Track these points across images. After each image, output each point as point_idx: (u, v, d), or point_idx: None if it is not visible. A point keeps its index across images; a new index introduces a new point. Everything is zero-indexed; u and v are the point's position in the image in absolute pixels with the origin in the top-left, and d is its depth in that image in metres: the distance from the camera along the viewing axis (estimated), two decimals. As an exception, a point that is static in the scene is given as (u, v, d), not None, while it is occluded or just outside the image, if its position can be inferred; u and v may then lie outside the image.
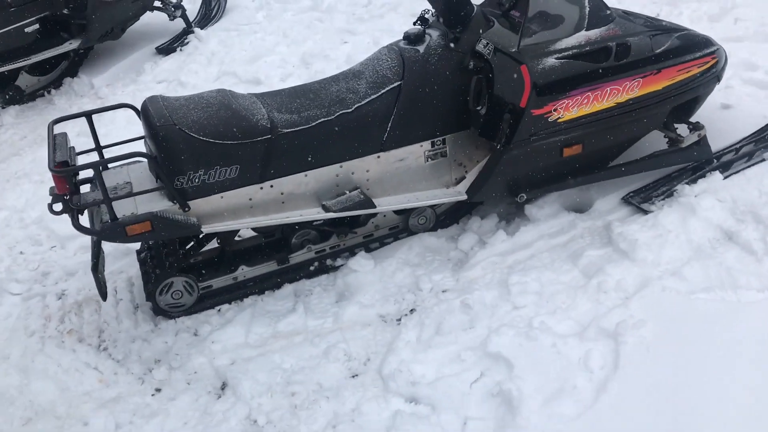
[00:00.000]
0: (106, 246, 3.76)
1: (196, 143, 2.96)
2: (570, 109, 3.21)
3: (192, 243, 3.38)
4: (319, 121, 3.15)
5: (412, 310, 3.22)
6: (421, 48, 3.32)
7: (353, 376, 2.95)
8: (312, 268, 3.51)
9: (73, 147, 3.17)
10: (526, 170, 3.34)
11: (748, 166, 3.58)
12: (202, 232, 3.08)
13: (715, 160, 3.64)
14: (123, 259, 3.71)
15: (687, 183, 3.53)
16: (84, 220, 3.05)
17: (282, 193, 3.22)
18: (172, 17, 6.56)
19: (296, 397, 2.87)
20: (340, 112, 3.18)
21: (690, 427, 2.44)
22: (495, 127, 3.23)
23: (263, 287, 3.44)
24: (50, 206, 3.11)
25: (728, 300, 2.93)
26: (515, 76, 3.13)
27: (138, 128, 4.28)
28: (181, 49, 6.33)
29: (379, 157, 3.33)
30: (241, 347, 3.14)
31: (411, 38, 3.37)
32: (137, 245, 3.60)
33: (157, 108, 3.04)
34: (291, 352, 3.08)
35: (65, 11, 5.75)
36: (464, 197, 3.39)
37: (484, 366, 2.85)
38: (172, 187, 2.97)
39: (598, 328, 2.88)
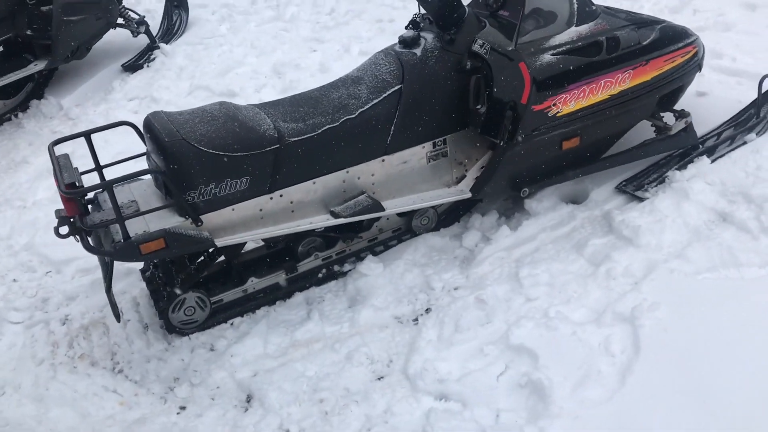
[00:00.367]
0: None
1: (206, 157, 2.95)
2: (568, 103, 3.30)
3: (202, 258, 3.34)
4: (325, 128, 3.17)
5: (427, 310, 3.26)
6: (418, 51, 3.37)
7: (379, 379, 2.97)
8: (320, 275, 3.52)
9: (77, 168, 3.11)
10: (528, 165, 3.41)
11: (732, 150, 3.73)
12: (216, 246, 3.07)
13: (700, 146, 3.78)
14: (124, 280, 3.65)
15: (677, 169, 3.66)
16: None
17: (291, 202, 3.23)
18: (135, 34, 6.46)
19: (325, 403, 2.88)
20: (345, 118, 3.20)
21: (717, 400, 2.54)
22: (496, 124, 3.30)
23: (274, 297, 3.44)
24: (56, 230, 3.05)
25: (732, 278, 3.06)
26: (514, 73, 3.20)
27: (131, 146, 4.27)
28: (148, 65, 6.24)
29: (383, 160, 3.36)
30: (262, 358, 3.13)
31: (407, 42, 3.41)
32: (140, 264, 3.55)
33: (162, 123, 3.01)
34: (313, 360, 3.09)
35: (28, 32, 5.61)
36: (468, 195, 3.45)
37: (508, 358, 2.91)
38: (184, 202, 2.95)
39: (613, 314, 2.97)
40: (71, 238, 3.09)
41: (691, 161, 3.68)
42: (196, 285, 3.28)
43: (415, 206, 3.41)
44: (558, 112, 3.30)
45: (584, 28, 3.38)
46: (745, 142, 3.76)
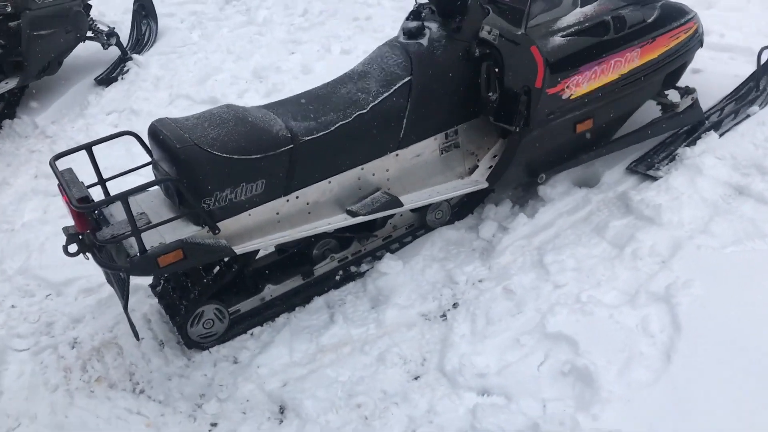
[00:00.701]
0: (108, 285, 3.56)
1: (221, 161, 2.83)
2: (581, 85, 3.25)
3: (218, 267, 3.21)
4: (338, 124, 3.07)
5: (455, 305, 3.18)
6: (424, 41, 3.30)
7: (415, 378, 2.88)
8: (338, 277, 3.42)
9: (83, 182, 2.96)
10: (544, 150, 3.36)
11: (737, 123, 3.73)
12: (235, 254, 2.94)
13: (706, 121, 3.77)
14: (132, 296, 3.46)
15: (686, 146, 3.64)
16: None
17: (307, 203, 3.12)
18: (106, 46, 6.27)
19: (363, 408, 2.78)
20: (357, 113, 3.11)
21: (765, 370, 2.51)
22: (510, 111, 3.24)
23: (293, 303, 3.33)
24: (65, 248, 2.91)
25: (759, 249, 3.04)
26: (526, 57, 3.14)
27: (119, 159, 4.12)
28: (122, 78, 6.06)
29: (397, 155, 3.28)
30: (290, 367, 3.02)
31: (412, 32, 3.33)
32: (148, 279, 3.41)
33: (171, 130, 2.88)
34: (343, 364, 2.98)
35: (-3, 50, 5.41)
36: (485, 185, 3.38)
37: (546, 347, 2.85)
38: (201, 210, 2.82)
39: (647, 294, 2.93)
40: (70, 257, 2.95)
41: (698, 137, 3.67)
42: (214, 296, 3.14)
43: (432, 200, 3.33)
44: (571, 95, 3.25)
45: (589, 9, 3.34)
46: (748, 116, 3.77)
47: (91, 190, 3.07)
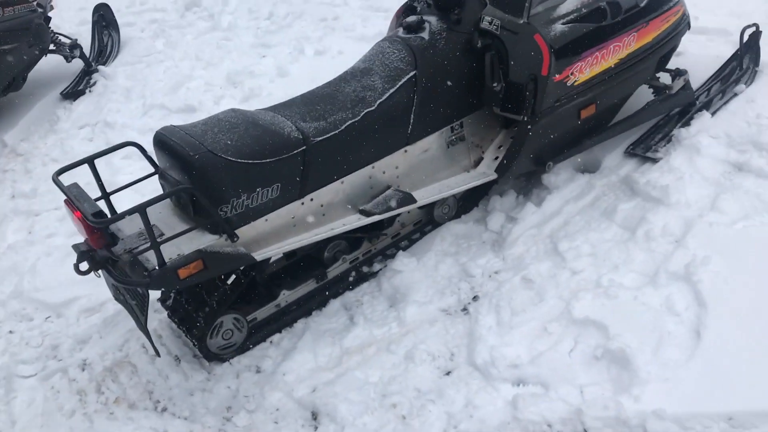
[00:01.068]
0: (115, 301, 3.45)
1: (236, 167, 2.76)
2: (584, 71, 3.27)
3: (233, 276, 3.13)
4: (347, 123, 3.02)
5: (475, 297, 3.16)
6: (425, 35, 3.27)
7: (447, 374, 2.86)
8: (351, 278, 3.37)
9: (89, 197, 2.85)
10: (551, 138, 3.37)
11: (726, 102, 3.81)
12: (256, 261, 2.87)
13: (697, 102, 3.84)
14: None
15: (681, 127, 3.70)
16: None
17: (322, 205, 3.07)
18: (69, 58, 6.09)
19: (399, 407, 2.74)
20: (365, 111, 3.07)
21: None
22: (517, 100, 3.24)
23: (309, 308, 3.27)
24: (77, 266, 2.80)
25: (765, 224, 3.10)
26: (531, 46, 3.14)
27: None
28: (90, 90, 5.87)
29: (406, 151, 3.25)
30: (316, 372, 2.96)
31: (412, 27, 3.30)
32: (156, 294, 3.30)
33: (181, 138, 2.79)
34: (371, 365, 2.94)
35: (-41, 68, 5.19)
36: (494, 176, 3.38)
37: (575, 333, 2.86)
38: (219, 217, 2.75)
39: (667, 274, 2.96)
40: (81, 275, 2.84)
41: (692, 118, 3.73)
42: (232, 306, 3.06)
43: (445, 194, 3.31)
44: (575, 81, 3.27)
45: (584, -4, 3.36)
46: (735, 94, 3.85)
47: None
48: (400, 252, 3.42)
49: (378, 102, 3.10)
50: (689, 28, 3.79)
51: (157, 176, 3.15)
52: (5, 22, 5.26)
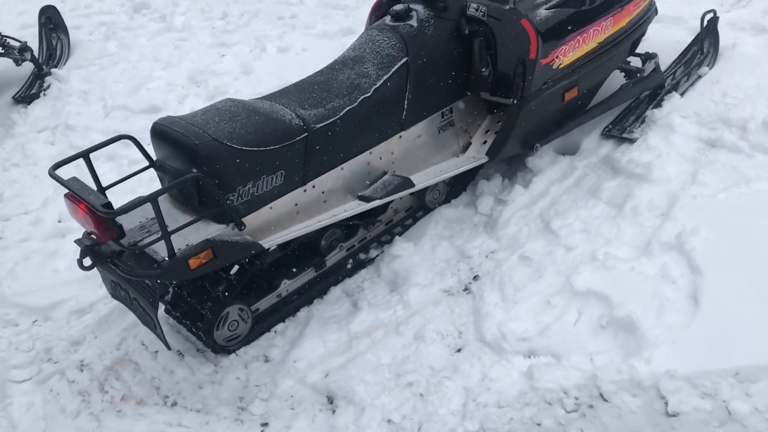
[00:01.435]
0: (107, 300, 3.38)
1: (242, 155, 2.75)
2: (567, 54, 3.39)
3: (236, 266, 3.10)
4: (346, 110, 3.05)
5: (475, 277, 3.23)
6: (413, 22, 3.33)
7: (458, 351, 2.91)
8: (349, 266, 3.39)
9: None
10: (539, 120, 3.47)
11: (692, 84, 4.00)
12: (263, 249, 2.86)
13: (666, 84, 4.01)
14: (128, 313, 3.30)
15: (653, 108, 3.86)
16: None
17: (323, 192, 3.08)
18: (19, 62, 5.88)
19: (416, 386, 2.78)
20: (361, 97, 3.10)
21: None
22: (506, 84, 3.32)
23: (310, 296, 3.27)
24: (80, 262, 2.73)
25: (747, 192, 3.27)
26: (518, 31, 3.23)
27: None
28: (44, 94, 5.70)
29: (400, 136, 3.29)
30: (327, 357, 2.97)
31: (400, 15, 3.35)
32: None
33: (183, 127, 2.76)
34: (381, 348, 2.97)
35: None
36: (485, 159, 3.45)
37: (578, 305, 2.95)
38: (229, 206, 2.73)
39: (660, 244, 3.09)
40: (85, 271, 2.79)
41: (662, 99, 3.90)
42: (237, 297, 3.04)
43: (442, 177, 3.37)
44: (560, 64, 3.38)
45: (563, -18, 3.48)
46: (700, 76, 4.04)
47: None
48: (397, 237, 3.46)
49: (373, 88, 3.14)
50: (656, 14, 3.96)
51: (149, 170, 3.11)
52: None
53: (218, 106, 2.96)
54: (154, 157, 3.01)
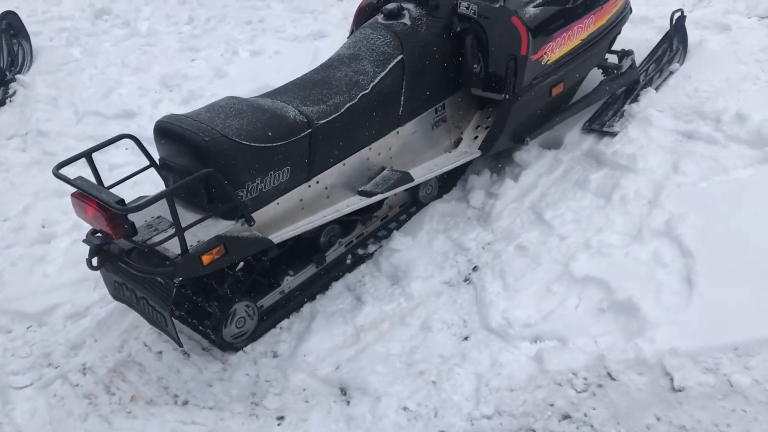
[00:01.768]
0: (103, 303, 3.35)
1: (251, 151, 2.77)
2: (554, 50, 3.50)
3: (241, 263, 3.10)
4: (347, 106, 3.10)
5: (475, 268, 3.31)
6: (406, 20, 3.40)
7: (465, 339, 2.98)
8: (348, 261, 3.43)
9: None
10: (528, 114, 3.57)
11: (665, 80, 4.18)
12: (273, 245, 2.89)
13: (641, 80, 4.18)
14: (129, 314, 3.29)
15: (631, 102, 4.02)
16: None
17: (326, 188, 3.12)
18: (-19, 69, 5.75)
19: (428, 374, 2.84)
20: (361, 93, 3.15)
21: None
22: (498, 80, 3.42)
23: (313, 292, 3.30)
24: (90, 261, 2.71)
25: (727, 180, 3.44)
26: (509, 28, 3.33)
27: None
28: (10, 100, 5.58)
29: (398, 132, 3.35)
30: (336, 350, 3.00)
31: (393, 13, 3.42)
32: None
33: (190, 124, 2.77)
34: (390, 339, 3.02)
35: None
36: (479, 153, 3.54)
37: (577, 291, 3.05)
38: (240, 201, 2.75)
39: (649, 231, 3.22)
40: (94, 271, 2.78)
41: (638, 94, 4.06)
42: (244, 294, 3.04)
43: (439, 171, 3.45)
44: (548, 60, 3.49)
45: (546, -19, 3.59)
46: (671, 72, 4.22)
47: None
48: (395, 232, 3.51)
49: (371, 85, 3.19)
50: (631, 12, 4.12)
51: (144, 171, 3.11)
52: None
53: (221, 103, 2.97)
54: (155, 156, 3.00)
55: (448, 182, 3.79)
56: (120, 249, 2.75)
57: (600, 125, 3.95)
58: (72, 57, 6.28)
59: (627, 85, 4.10)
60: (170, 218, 2.82)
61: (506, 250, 3.33)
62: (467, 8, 3.39)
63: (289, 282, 3.23)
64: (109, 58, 6.12)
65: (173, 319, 2.75)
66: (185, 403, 2.88)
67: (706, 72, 4.14)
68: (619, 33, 4.07)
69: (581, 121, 4.05)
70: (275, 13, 6.61)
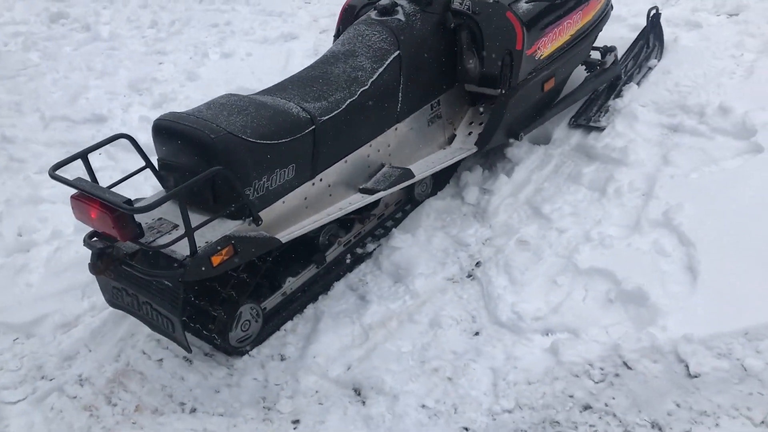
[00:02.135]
0: (94, 312, 3.22)
1: (258, 148, 2.70)
2: (546, 45, 3.52)
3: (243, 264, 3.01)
4: (347, 102, 3.05)
5: (477, 264, 3.29)
6: (401, 16, 3.37)
7: (476, 334, 2.96)
8: (348, 261, 3.37)
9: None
10: (523, 109, 3.58)
11: (644, 76, 4.25)
12: (282, 244, 2.81)
13: (623, 76, 4.24)
14: (124, 320, 3.17)
15: (614, 98, 4.07)
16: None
17: (329, 185, 3.06)
18: (-64, 75, 5.50)
19: (442, 370, 2.80)
20: (360, 90, 3.11)
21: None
22: (493, 75, 3.41)
23: (315, 293, 3.23)
24: (94, 266, 2.61)
25: (717, 170, 3.51)
26: (504, 23, 3.34)
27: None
28: (-31, 107, 5.35)
29: (396, 129, 3.32)
30: (346, 351, 2.94)
31: (387, 9, 3.39)
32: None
33: (194, 121, 2.68)
34: (399, 336, 2.98)
35: None
36: (475, 149, 3.53)
37: (582, 283, 3.07)
38: (248, 199, 2.67)
39: (648, 222, 3.27)
40: (97, 275, 2.67)
41: (621, 90, 4.12)
42: (250, 296, 2.96)
43: (436, 168, 3.42)
44: (541, 55, 3.51)
45: (534, -22, 3.62)
46: (650, 68, 4.30)
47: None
48: (395, 230, 3.47)
49: (371, 81, 3.15)
50: (612, 9, 4.18)
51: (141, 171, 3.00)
52: None
53: (221, 101, 2.89)
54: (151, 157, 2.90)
55: (440, 179, 3.76)
56: (123, 252, 2.64)
57: (586, 120, 3.99)
58: (31, 62, 6.08)
59: (609, 80, 4.15)
60: (172, 220, 2.75)
61: (507, 245, 3.33)
62: (461, 4, 3.38)
63: (291, 283, 3.15)
64: (71, 63, 5.94)
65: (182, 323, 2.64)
66: (193, 410, 2.78)
67: (684, 67, 4.23)
68: (601, 30, 4.12)
69: (566, 117, 4.08)
70: (241, 16, 6.52)
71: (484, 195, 3.67)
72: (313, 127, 2.89)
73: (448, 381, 2.76)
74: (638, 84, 4.15)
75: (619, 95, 4.09)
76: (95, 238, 2.77)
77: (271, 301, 3.09)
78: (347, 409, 2.72)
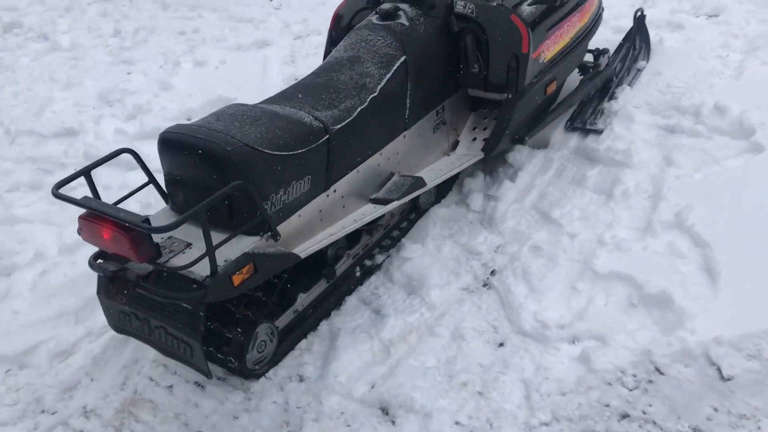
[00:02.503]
0: (91, 338, 3.04)
1: (275, 160, 2.57)
2: (549, 48, 3.48)
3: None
4: (358, 110, 2.94)
5: (493, 272, 3.21)
6: (404, 21, 3.28)
7: (500, 345, 2.88)
8: (357, 274, 3.25)
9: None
10: (527, 113, 3.52)
11: (634, 77, 4.26)
12: (301, 259, 2.68)
13: (615, 78, 4.23)
14: (127, 345, 2.99)
15: (608, 100, 4.06)
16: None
17: (342, 197, 2.95)
18: None
19: (471, 385, 2.71)
20: (370, 97, 3.00)
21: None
22: (499, 80, 3.35)
23: (327, 309, 3.10)
24: (107, 289, 2.44)
25: (720, 170, 3.52)
26: (508, 26, 3.28)
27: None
28: (-76, 122, 5.04)
29: (404, 136, 3.23)
30: (368, 368, 2.82)
31: (389, 13, 3.29)
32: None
33: (204, 134, 2.53)
34: (422, 351, 2.87)
35: None
36: (482, 155, 3.46)
37: (602, 287, 3.03)
38: (267, 214, 2.54)
39: (660, 223, 3.25)
40: (109, 300, 2.50)
41: (614, 92, 4.11)
42: (266, 315, 2.81)
43: (447, 176, 3.33)
44: (545, 58, 3.46)
45: (531, -20, 3.57)
46: (639, 70, 4.31)
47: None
48: (404, 240, 3.38)
49: (379, 87, 3.05)
50: (603, 11, 4.17)
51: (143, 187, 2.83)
52: None
53: (229, 111, 2.75)
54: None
55: (443, 187, 3.68)
56: (137, 274, 2.47)
57: (582, 123, 3.96)
58: (-13, 73, 5.77)
59: (604, 82, 4.14)
60: (183, 238, 2.60)
61: (521, 252, 3.26)
62: (464, 7, 3.31)
63: (303, 299, 3.02)
64: (31, 74, 5.68)
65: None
66: (213, 438, 2.62)
67: (673, 69, 4.25)
68: (595, 32, 4.11)
69: (562, 120, 4.05)
70: (210, 22, 6.33)
71: (490, 201, 3.60)
72: (327, 136, 2.78)
73: (479, 395, 2.67)
74: (630, 86, 4.14)
75: (612, 97, 4.07)
76: (100, 260, 2.59)
77: (284, 320, 2.96)
78: (377, 429, 2.60)
